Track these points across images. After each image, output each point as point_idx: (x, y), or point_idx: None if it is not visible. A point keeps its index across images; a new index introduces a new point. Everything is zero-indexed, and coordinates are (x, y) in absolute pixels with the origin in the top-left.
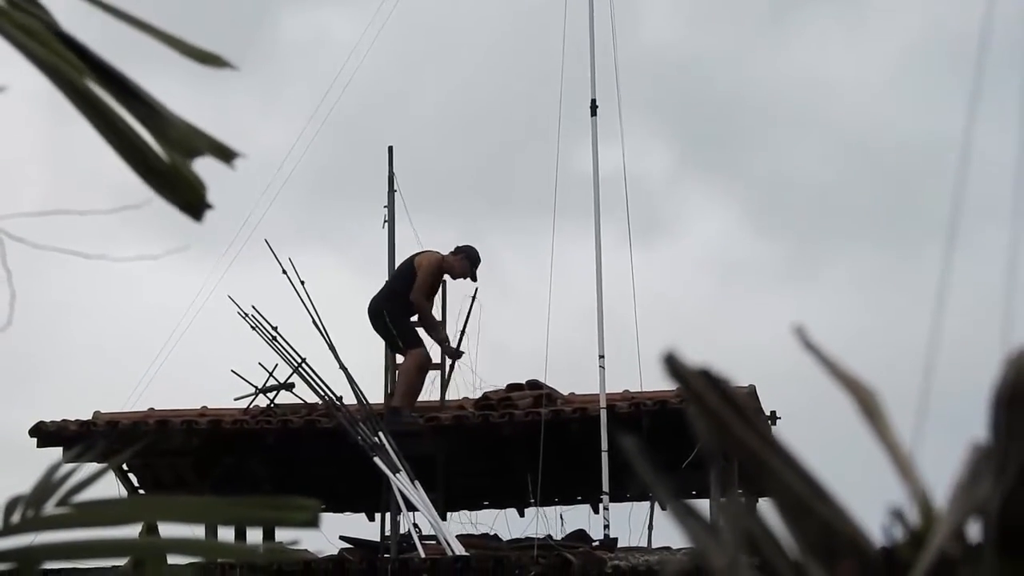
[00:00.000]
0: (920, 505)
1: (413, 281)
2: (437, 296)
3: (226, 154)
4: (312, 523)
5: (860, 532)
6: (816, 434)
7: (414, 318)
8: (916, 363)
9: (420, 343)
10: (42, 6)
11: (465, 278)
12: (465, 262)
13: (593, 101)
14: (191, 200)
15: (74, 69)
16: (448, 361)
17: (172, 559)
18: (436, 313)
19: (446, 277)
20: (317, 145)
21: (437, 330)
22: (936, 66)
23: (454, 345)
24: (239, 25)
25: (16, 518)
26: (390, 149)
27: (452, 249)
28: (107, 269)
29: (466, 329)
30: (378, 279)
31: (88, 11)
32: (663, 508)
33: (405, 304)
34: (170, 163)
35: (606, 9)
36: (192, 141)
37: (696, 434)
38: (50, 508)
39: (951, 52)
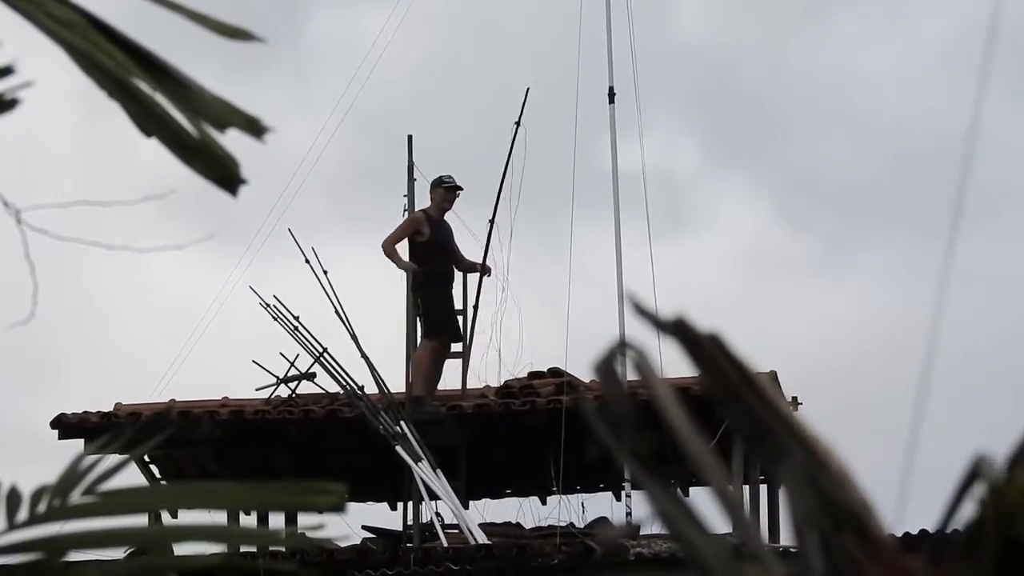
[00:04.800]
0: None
1: (417, 253)
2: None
3: (257, 128)
4: (338, 507)
5: (863, 503)
6: (846, 428)
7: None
8: (952, 349)
9: (434, 334)
10: None
11: (450, 200)
12: (438, 190)
13: (611, 88)
14: (225, 175)
15: (110, 57)
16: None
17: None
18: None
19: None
20: (343, 137)
21: (404, 267)
22: (972, 57)
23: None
24: (268, 21)
25: (42, 508)
26: (409, 138)
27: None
28: (130, 261)
29: (486, 255)
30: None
31: None
32: (686, 493)
33: (428, 280)
34: (203, 140)
35: None
36: (224, 114)
37: (718, 414)
38: (76, 497)
39: (983, 45)
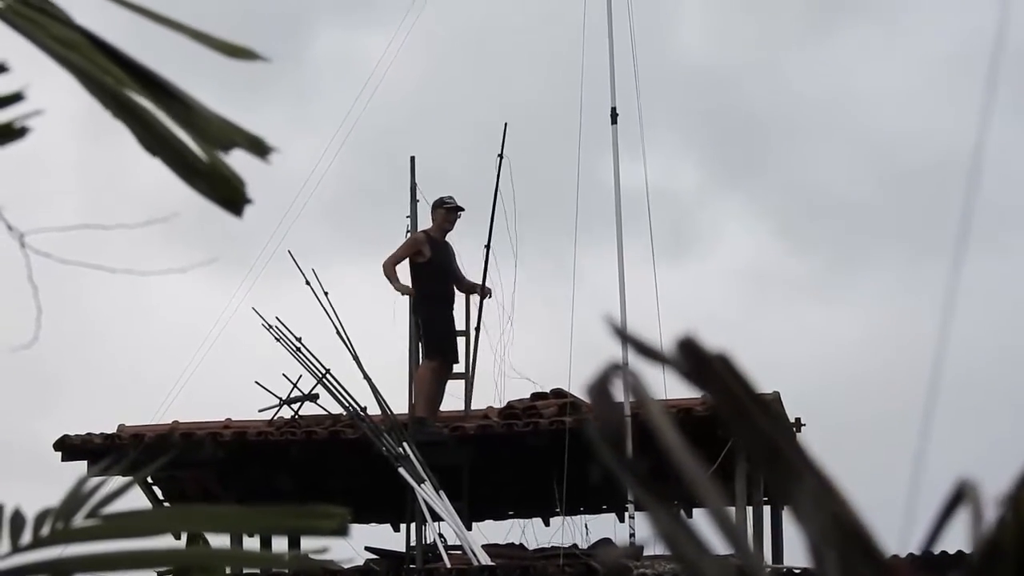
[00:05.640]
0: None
1: (418, 274)
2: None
3: (261, 149)
4: (341, 531)
5: (866, 524)
6: (846, 450)
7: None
8: (954, 366)
9: (435, 355)
10: (67, 13)
11: (452, 220)
12: (439, 211)
13: (613, 109)
14: (231, 196)
15: (113, 78)
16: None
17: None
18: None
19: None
20: (345, 158)
21: (401, 290)
22: (974, 74)
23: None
24: (269, 41)
25: (46, 530)
26: (412, 159)
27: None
28: (133, 283)
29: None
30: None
31: (113, 15)
32: (688, 515)
33: (427, 302)
34: (209, 161)
35: (628, 16)
36: (228, 134)
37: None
38: (79, 520)
39: (988, 63)
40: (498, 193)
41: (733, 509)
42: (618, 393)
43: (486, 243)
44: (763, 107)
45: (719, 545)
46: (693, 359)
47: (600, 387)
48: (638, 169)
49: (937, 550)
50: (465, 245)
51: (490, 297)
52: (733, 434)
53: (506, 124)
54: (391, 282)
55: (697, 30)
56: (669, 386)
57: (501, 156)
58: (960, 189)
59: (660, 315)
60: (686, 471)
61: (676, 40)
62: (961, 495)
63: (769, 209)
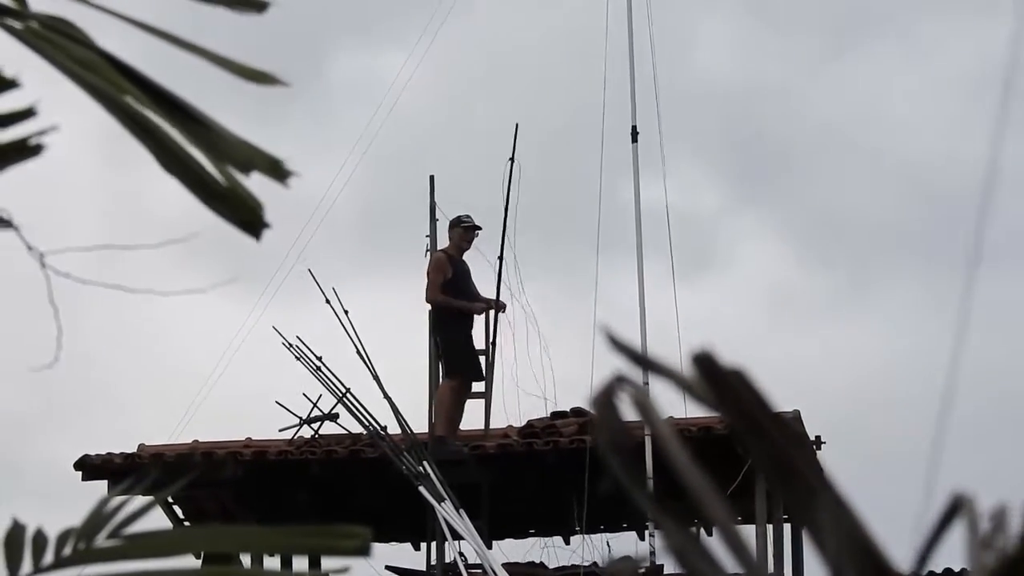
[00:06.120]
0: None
1: None
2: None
3: (280, 172)
4: (363, 551)
5: (882, 544)
6: (867, 468)
7: (478, 334)
8: (976, 390)
9: (455, 373)
10: (88, 35)
11: (469, 239)
12: (457, 230)
13: (634, 127)
14: (249, 218)
15: (133, 99)
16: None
17: None
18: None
19: (470, 255)
20: (365, 179)
21: (471, 309)
22: (996, 97)
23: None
24: (290, 64)
25: (68, 551)
26: (431, 179)
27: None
28: (153, 303)
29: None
30: (424, 309)
31: (133, 38)
32: (708, 534)
33: (448, 321)
34: (227, 183)
35: (648, 35)
36: (248, 157)
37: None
38: (101, 540)
39: (1003, 82)
40: (510, 199)
41: (751, 527)
42: (624, 406)
43: (499, 255)
44: (783, 125)
45: (732, 564)
46: (708, 375)
47: (604, 399)
48: (657, 187)
49: (944, 565)
50: (479, 261)
51: (504, 311)
52: (748, 451)
53: (517, 124)
54: (454, 307)
55: (717, 49)
56: (689, 404)
57: (512, 159)
58: (982, 209)
59: (680, 334)
60: (693, 487)
61: (696, 59)
62: (956, 510)
63: (789, 228)
